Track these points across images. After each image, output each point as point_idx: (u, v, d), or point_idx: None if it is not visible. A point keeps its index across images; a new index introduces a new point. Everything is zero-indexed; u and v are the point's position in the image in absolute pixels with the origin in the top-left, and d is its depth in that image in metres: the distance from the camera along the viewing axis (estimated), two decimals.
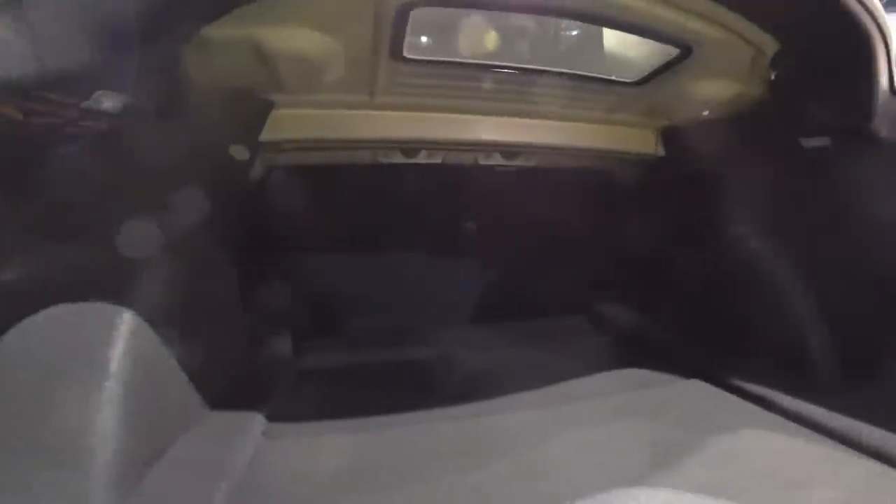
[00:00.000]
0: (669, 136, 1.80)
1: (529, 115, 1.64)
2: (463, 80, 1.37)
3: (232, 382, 1.35)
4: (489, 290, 2.28)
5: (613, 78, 1.45)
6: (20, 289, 0.93)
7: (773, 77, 1.34)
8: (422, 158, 1.83)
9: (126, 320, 0.98)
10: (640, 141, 1.80)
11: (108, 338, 0.95)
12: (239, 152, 1.35)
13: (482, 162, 1.91)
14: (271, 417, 1.29)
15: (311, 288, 1.94)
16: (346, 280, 2.02)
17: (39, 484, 0.82)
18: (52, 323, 0.93)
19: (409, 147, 1.73)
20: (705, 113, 1.60)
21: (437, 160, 1.85)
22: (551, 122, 1.67)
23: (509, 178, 2.05)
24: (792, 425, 1.19)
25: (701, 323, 1.76)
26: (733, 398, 1.37)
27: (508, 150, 1.84)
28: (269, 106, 1.35)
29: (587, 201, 2.17)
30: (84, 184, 0.96)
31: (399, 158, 1.81)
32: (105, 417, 0.90)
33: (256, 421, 1.23)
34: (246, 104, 1.29)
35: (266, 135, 1.39)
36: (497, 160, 1.93)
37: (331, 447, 1.17)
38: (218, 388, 1.27)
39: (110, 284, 0.99)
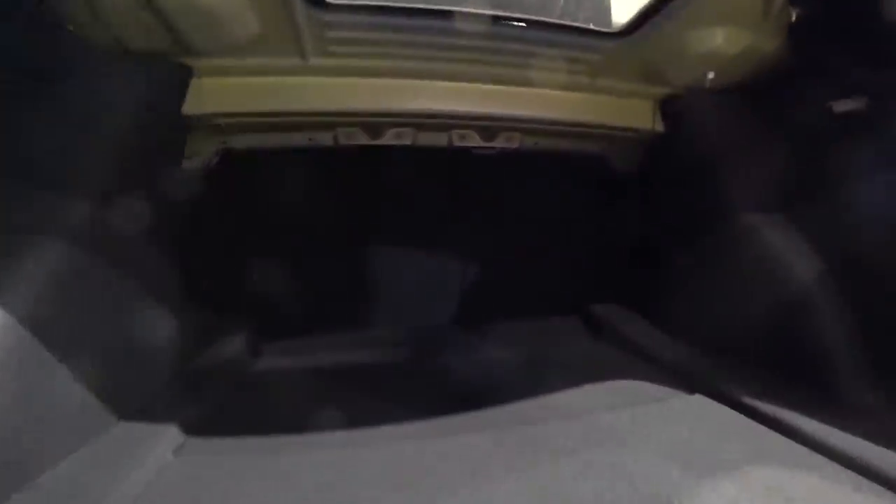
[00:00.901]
0: (669, 107, 1.56)
1: (501, 80, 1.43)
2: (409, 34, 1.16)
3: (152, 389, 1.18)
4: (471, 289, 2.07)
5: (592, 27, 1.22)
6: None
7: (793, 19, 1.08)
8: (389, 139, 1.64)
9: None
10: (635, 114, 1.57)
11: None
12: (159, 125, 1.17)
13: (458, 143, 1.70)
14: (192, 430, 1.12)
15: (273, 284, 1.77)
16: (310, 277, 1.85)
17: None
18: None
19: (366, 121, 1.53)
20: (710, 76, 1.35)
21: (407, 141, 1.66)
22: (528, 90, 1.45)
23: (490, 163, 1.82)
24: (817, 457, 0.95)
25: (708, 330, 1.49)
26: (741, 419, 1.12)
27: (481, 123, 1.62)
28: (187, 73, 1.18)
29: (580, 190, 1.94)
30: None
31: (363, 139, 1.62)
32: None
33: (168, 435, 1.06)
34: (157, 71, 1.12)
35: (194, 108, 1.21)
36: (475, 141, 1.72)
37: (249, 470, 0.98)
38: (132, 395, 1.11)
39: None
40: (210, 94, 1.24)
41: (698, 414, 1.15)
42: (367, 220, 1.94)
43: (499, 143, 1.74)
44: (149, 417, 1.09)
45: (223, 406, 1.27)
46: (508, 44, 1.22)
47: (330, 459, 0.99)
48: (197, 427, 1.13)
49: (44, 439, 0.89)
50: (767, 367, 1.25)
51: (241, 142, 1.53)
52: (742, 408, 1.14)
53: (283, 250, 1.81)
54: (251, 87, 1.27)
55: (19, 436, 0.84)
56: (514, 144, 1.76)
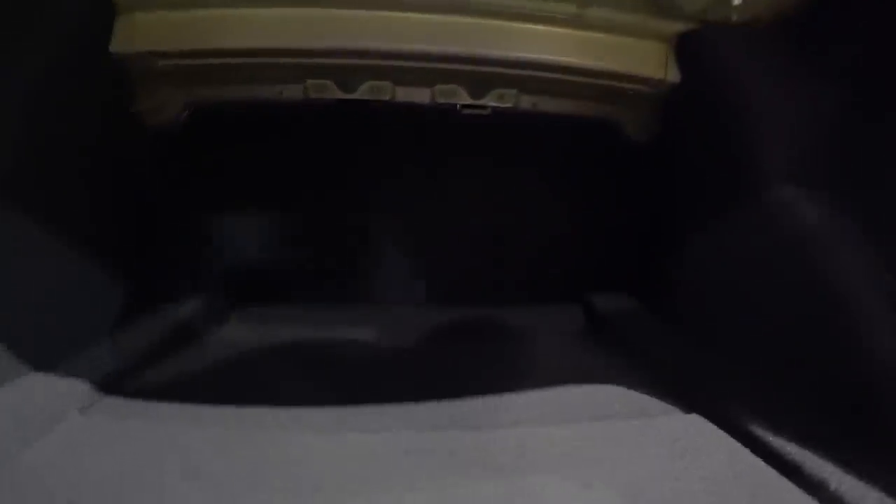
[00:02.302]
0: (686, 50, 1.27)
1: (474, 10, 1.23)
2: None
3: (77, 343, 1.14)
4: (461, 269, 1.91)
5: None
6: None
7: None
8: (364, 94, 1.50)
9: None
10: (643, 57, 1.30)
11: None
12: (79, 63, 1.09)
13: (442, 100, 1.54)
14: (112, 391, 1.07)
15: (245, 250, 1.71)
16: (284, 245, 1.77)
17: None
18: None
19: (337, 66, 1.39)
20: (736, 3, 1.07)
21: (385, 97, 1.51)
22: (504, 22, 1.25)
23: (480, 127, 1.63)
24: None
25: (723, 334, 1.24)
26: (742, 455, 0.88)
27: (466, 70, 1.43)
28: (110, 5, 1.09)
29: (588, 162, 1.71)
30: None
31: (336, 93, 1.49)
32: None
33: (81, 392, 1.01)
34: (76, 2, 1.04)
35: (123, 46, 1.13)
36: (461, 98, 1.54)
37: (161, 437, 0.90)
38: (50, 346, 1.07)
39: None
40: (140, 30, 1.14)
41: (687, 439, 0.93)
42: (345, 188, 1.82)
43: (490, 100, 1.55)
44: (66, 372, 1.04)
45: (159, 369, 1.22)
46: None
47: (246, 438, 0.90)
48: (118, 386, 1.08)
49: None
50: (792, 389, 0.98)
51: (206, 93, 1.45)
52: (748, 439, 0.90)
53: (257, 216, 1.75)
54: (192, 21, 1.16)
55: None
56: (509, 103, 1.56)
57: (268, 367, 1.34)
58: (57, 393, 0.98)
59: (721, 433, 0.94)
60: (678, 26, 1.23)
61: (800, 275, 1.03)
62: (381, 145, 1.78)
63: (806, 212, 1.05)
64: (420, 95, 1.53)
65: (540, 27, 1.26)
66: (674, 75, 1.30)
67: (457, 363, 1.40)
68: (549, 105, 1.58)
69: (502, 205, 1.86)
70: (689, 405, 1.05)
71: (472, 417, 1.02)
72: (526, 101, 1.56)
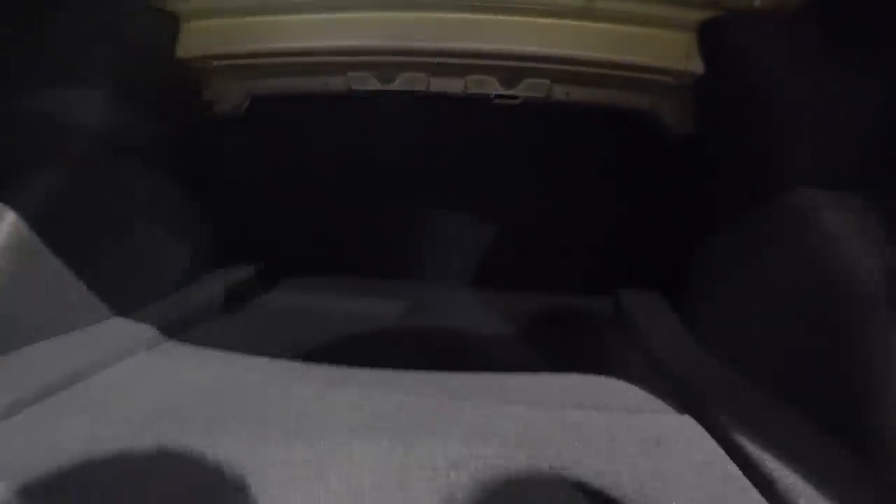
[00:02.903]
0: (710, 37, 1.22)
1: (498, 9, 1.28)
2: None
3: (148, 296, 1.38)
4: (498, 254, 1.96)
5: None
6: None
7: None
8: (401, 85, 1.60)
9: (6, 221, 1.05)
10: (664, 48, 1.26)
11: None
12: (152, 67, 1.31)
13: (474, 90, 1.60)
14: (172, 335, 1.29)
15: (296, 225, 1.90)
16: (333, 222, 1.93)
17: None
18: None
19: (376, 62, 1.50)
20: None
21: (421, 87, 1.60)
22: (524, 18, 1.28)
23: (513, 116, 1.67)
24: None
25: (734, 340, 1.20)
26: (725, 466, 0.85)
27: (496, 64, 1.48)
28: (173, 18, 1.28)
29: (628, 153, 1.68)
30: None
31: (375, 84, 1.61)
32: None
33: (148, 335, 1.24)
34: (143, 17, 1.25)
35: (187, 52, 1.32)
36: (493, 88, 1.59)
37: (207, 377, 1.09)
38: (126, 297, 1.31)
39: None
40: (200, 37, 1.33)
41: (670, 440, 0.91)
42: (389, 172, 1.94)
43: (522, 90, 1.59)
44: (138, 318, 1.28)
45: (210, 323, 1.43)
46: None
47: (295, 391, 1.04)
48: (177, 334, 1.30)
49: (39, 320, 1.11)
50: (793, 403, 0.94)
51: (261, 87, 1.63)
52: (732, 448, 0.87)
53: (310, 194, 1.92)
54: (241, 27, 1.33)
55: (16, 312, 1.05)
56: (541, 93, 1.59)
57: (299, 328, 1.51)
58: (130, 335, 1.22)
59: (708, 439, 0.92)
60: (700, 14, 1.18)
61: (815, 286, 0.95)
62: (428, 132, 1.86)
63: (829, 217, 0.99)
64: (453, 86, 1.60)
65: (561, 21, 1.27)
66: (696, 65, 1.25)
67: (471, 341, 1.48)
68: (582, 95, 1.58)
69: (546, 195, 1.88)
70: (684, 406, 1.04)
71: (462, 389, 1.10)
72: (558, 91, 1.58)
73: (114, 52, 1.21)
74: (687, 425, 0.97)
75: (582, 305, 1.80)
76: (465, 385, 1.14)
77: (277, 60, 1.45)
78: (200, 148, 1.60)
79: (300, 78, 1.61)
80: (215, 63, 1.44)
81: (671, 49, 1.27)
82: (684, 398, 1.07)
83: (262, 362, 1.20)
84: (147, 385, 1.04)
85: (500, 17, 1.32)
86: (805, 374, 0.95)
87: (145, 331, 1.24)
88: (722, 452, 0.88)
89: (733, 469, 0.83)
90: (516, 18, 1.31)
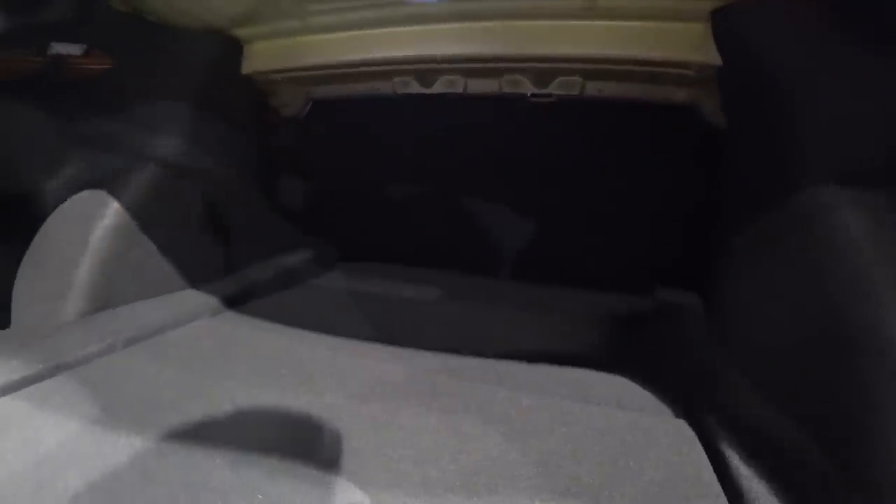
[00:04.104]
0: (722, 27, 1.17)
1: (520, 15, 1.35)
2: None
3: (220, 271, 1.65)
4: (539, 249, 2.00)
5: None
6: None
7: None
8: (441, 88, 1.72)
9: (112, 207, 1.35)
10: (674, 41, 1.24)
11: (96, 216, 1.33)
12: (222, 83, 1.57)
13: (508, 90, 1.66)
14: (233, 305, 1.53)
15: (354, 215, 2.10)
16: (387, 213, 2.10)
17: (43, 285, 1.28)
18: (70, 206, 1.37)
19: (418, 69, 1.64)
20: None
21: (458, 89, 1.71)
22: (543, 21, 1.33)
23: (549, 114, 1.70)
24: None
25: (744, 345, 1.14)
26: (704, 473, 0.83)
27: (528, 66, 1.54)
28: (237, 41, 1.54)
29: (668, 149, 1.64)
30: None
31: (417, 88, 1.74)
32: (86, 260, 1.29)
33: (213, 303, 1.49)
34: (212, 42, 1.51)
35: (249, 68, 1.59)
36: (527, 87, 1.64)
37: (262, 342, 1.30)
38: (202, 272, 1.58)
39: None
40: (260, 56, 1.57)
41: (658, 444, 0.91)
42: (435, 166, 2.06)
43: (555, 88, 1.62)
44: (206, 289, 1.54)
45: (268, 298, 1.67)
46: None
47: (322, 357, 1.22)
48: (237, 305, 1.54)
49: (133, 286, 1.39)
50: (794, 421, 0.87)
51: (319, 92, 1.84)
52: (720, 460, 0.84)
53: (364, 186, 2.11)
54: (294, 46, 1.54)
55: (118, 281, 1.34)
56: (574, 91, 1.61)
57: (344, 308, 1.69)
58: (197, 302, 1.48)
59: (696, 445, 0.90)
60: (708, 3, 1.14)
61: (825, 289, 0.88)
62: (470, 129, 1.96)
63: (851, 218, 0.92)
64: (489, 86, 1.68)
65: (567, 22, 1.30)
66: (713, 57, 1.21)
67: (495, 329, 1.56)
68: (615, 90, 1.58)
69: (588, 190, 1.89)
70: (683, 411, 1.03)
71: (468, 371, 1.19)
72: (591, 88, 1.59)
73: (192, 72, 1.48)
74: (679, 430, 0.96)
75: (617, 302, 1.78)
76: (471, 367, 1.22)
77: (329, 72, 1.64)
78: (268, 146, 1.84)
79: (352, 84, 1.79)
80: (276, 76, 1.67)
81: (683, 41, 1.23)
82: (686, 402, 1.06)
83: (304, 333, 1.38)
84: (207, 343, 1.28)
85: (523, 23, 1.38)
86: (810, 387, 0.88)
87: (211, 300, 1.50)
88: (705, 460, 0.86)
89: (709, 477, 0.82)
90: (533, 23, 1.36)
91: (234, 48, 1.61)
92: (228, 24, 1.52)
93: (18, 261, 1.29)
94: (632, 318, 1.67)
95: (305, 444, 0.86)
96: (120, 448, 0.82)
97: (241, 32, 1.57)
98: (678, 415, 1.03)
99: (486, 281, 2.01)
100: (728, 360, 1.16)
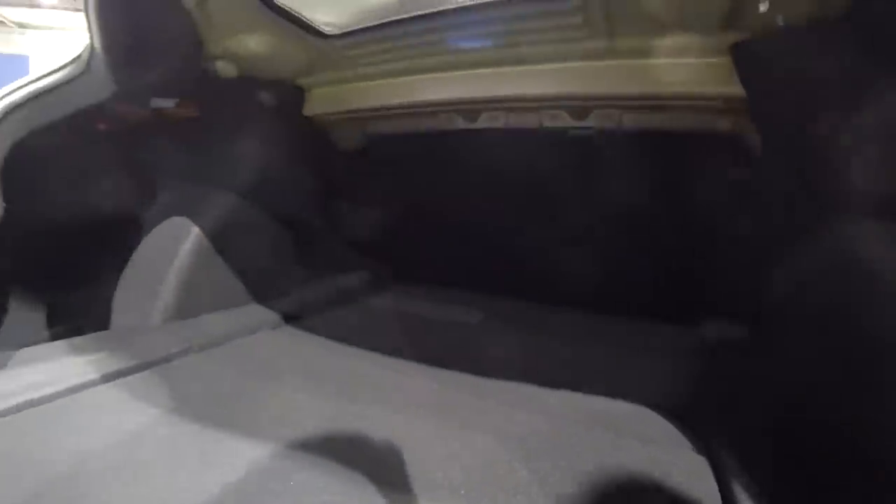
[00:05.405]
0: (744, 59, 1.18)
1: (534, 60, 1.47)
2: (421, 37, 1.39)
3: (283, 289, 1.84)
4: (583, 277, 2.00)
5: None
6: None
7: None
8: (483, 123, 1.83)
9: (194, 231, 1.58)
10: (697, 75, 1.27)
11: (181, 238, 1.57)
12: (287, 123, 1.81)
13: (548, 124, 1.74)
14: (291, 321, 1.70)
15: (408, 240, 2.25)
16: (440, 239, 2.22)
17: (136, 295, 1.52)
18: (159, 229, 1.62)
19: (461, 108, 1.77)
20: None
21: (500, 124, 1.81)
22: (570, 65, 1.42)
23: (590, 145, 1.76)
24: None
25: (781, 384, 1.11)
26: None
27: (565, 103, 1.62)
28: (299, 89, 1.79)
29: (701, 177, 1.64)
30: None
31: (461, 123, 1.87)
32: (171, 276, 1.52)
33: (274, 318, 1.67)
34: (279, 89, 1.76)
35: (310, 111, 1.85)
36: (566, 121, 1.71)
37: (313, 353, 1.46)
38: (267, 289, 1.78)
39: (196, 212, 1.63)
40: (320, 101, 1.81)
41: (671, 479, 0.90)
42: (484, 196, 2.16)
43: (593, 121, 1.68)
44: (269, 304, 1.72)
45: (323, 315, 1.83)
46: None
47: (362, 371, 1.34)
48: (296, 320, 1.71)
49: (207, 299, 1.60)
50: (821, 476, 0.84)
51: (373, 129, 2.02)
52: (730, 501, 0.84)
53: (418, 214, 2.25)
54: (349, 91, 1.75)
55: (196, 294, 1.55)
56: (613, 123, 1.66)
57: (391, 327, 1.81)
58: (261, 316, 1.66)
59: (710, 484, 0.89)
60: (726, 38, 1.17)
61: (862, 330, 0.86)
62: (512, 162, 2.05)
63: (877, 251, 0.91)
64: (529, 121, 1.77)
65: (595, 63, 1.38)
66: (730, 85, 1.22)
67: (528, 354, 1.59)
68: (653, 121, 1.60)
69: (633, 220, 1.90)
70: (705, 449, 1.00)
71: (491, 391, 1.24)
72: (629, 119, 1.63)
73: (262, 114, 1.72)
74: (696, 467, 0.95)
75: (658, 333, 1.75)
76: (495, 388, 1.27)
77: (380, 113, 1.83)
78: (329, 177, 2.05)
79: (401, 121, 1.96)
80: (334, 116, 1.88)
81: (705, 75, 1.26)
82: (708, 440, 1.04)
83: (351, 349, 1.51)
84: (266, 352, 1.45)
85: (551, 66, 1.49)
86: (832, 445, 0.86)
87: (273, 315, 1.68)
88: (718, 499, 0.86)
89: None
90: (563, 65, 1.45)
91: (297, 94, 1.86)
92: (292, 74, 1.78)
93: (119, 275, 1.54)
94: (671, 349, 1.64)
95: (333, 444, 0.97)
96: (185, 432, 0.97)
97: (303, 81, 1.81)
98: (699, 451, 1.00)
99: (529, 306, 2.05)
100: (766, 399, 1.13)
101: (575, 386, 1.28)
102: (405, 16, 1.36)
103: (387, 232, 2.27)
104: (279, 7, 1.36)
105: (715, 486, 0.89)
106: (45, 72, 1.27)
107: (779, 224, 1.28)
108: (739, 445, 0.96)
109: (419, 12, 1.33)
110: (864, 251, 0.93)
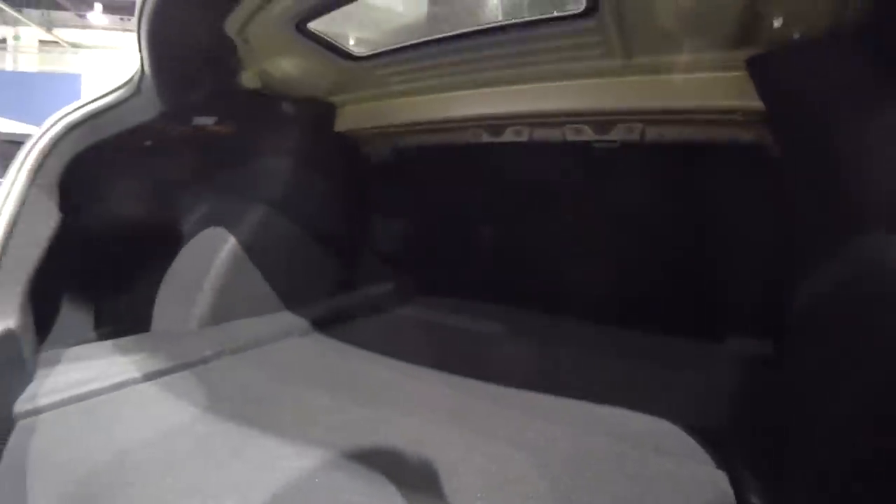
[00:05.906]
0: (760, 73, 1.18)
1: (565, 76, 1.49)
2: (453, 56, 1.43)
3: (311, 297, 1.91)
4: (605, 291, 2.00)
5: None
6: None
7: None
8: (508, 137, 1.87)
9: (230, 241, 1.67)
10: (713, 89, 1.28)
11: (217, 248, 1.66)
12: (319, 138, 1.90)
13: (571, 138, 1.77)
14: (319, 328, 1.77)
15: (434, 252, 2.30)
16: (467, 250, 2.27)
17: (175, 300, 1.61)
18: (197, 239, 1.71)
19: (487, 124, 1.82)
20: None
21: (524, 138, 1.85)
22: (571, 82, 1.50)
23: (614, 158, 1.77)
24: None
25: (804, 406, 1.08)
26: None
27: (588, 118, 1.65)
28: (331, 106, 1.89)
29: (723, 189, 1.62)
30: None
31: (487, 138, 1.91)
32: (207, 283, 1.61)
33: (303, 325, 1.74)
34: (312, 107, 1.86)
35: (341, 126, 1.94)
36: (589, 135, 1.73)
37: (338, 359, 1.52)
38: (296, 296, 1.85)
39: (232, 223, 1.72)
40: (350, 117, 1.89)
41: (688, 492, 0.91)
42: (505, 210, 2.20)
43: (616, 135, 1.70)
44: (299, 312, 1.79)
45: (350, 323, 1.88)
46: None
47: (385, 378, 1.39)
48: (324, 327, 1.77)
49: (241, 306, 1.68)
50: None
51: (402, 143, 2.09)
52: None
53: (446, 226, 2.29)
54: (377, 108, 1.83)
55: (230, 300, 1.64)
56: (636, 136, 1.67)
57: (415, 336, 1.85)
58: (290, 322, 1.73)
59: (728, 498, 0.89)
60: (742, 53, 1.18)
61: (892, 344, 0.80)
62: (541, 175, 2.07)
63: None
64: (553, 135, 1.80)
65: (613, 79, 1.41)
66: (754, 100, 1.22)
67: (547, 364, 1.60)
68: (677, 134, 1.61)
69: (658, 234, 1.90)
70: (725, 464, 0.99)
71: (509, 400, 1.26)
72: (652, 132, 1.64)
73: (296, 130, 1.82)
74: (715, 482, 0.94)
75: (682, 348, 1.73)
76: (512, 397, 1.29)
77: (409, 128, 1.90)
78: (359, 189, 2.13)
79: (430, 136, 2.02)
80: (364, 132, 1.97)
81: (720, 89, 1.28)
82: (729, 454, 1.03)
83: (376, 356, 1.56)
84: (294, 358, 1.51)
85: (570, 83, 1.55)
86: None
87: (302, 322, 1.74)
88: None
89: None
90: (583, 82, 1.49)
91: (329, 110, 1.94)
92: (324, 92, 1.86)
93: (160, 281, 1.64)
94: (693, 363, 1.62)
95: (355, 446, 1.00)
96: (218, 429, 1.03)
97: (334, 98, 1.90)
98: (719, 466, 0.99)
99: (551, 319, 2.06)
100: (788, 414, 1.11)
101: (594, 397, 1.29)
102: (431, 37, 1.42)
103: (413, 243, 2.32)
104: (312, 33, 1.44)
105: (734, 502, 0.88)
106: (99, 94, 1.38)
107: (803, 236, 1.26)
108: (760, 461, 0.95)
109: (445, 34, 1.39)
110: (890, 262, 0.92)
